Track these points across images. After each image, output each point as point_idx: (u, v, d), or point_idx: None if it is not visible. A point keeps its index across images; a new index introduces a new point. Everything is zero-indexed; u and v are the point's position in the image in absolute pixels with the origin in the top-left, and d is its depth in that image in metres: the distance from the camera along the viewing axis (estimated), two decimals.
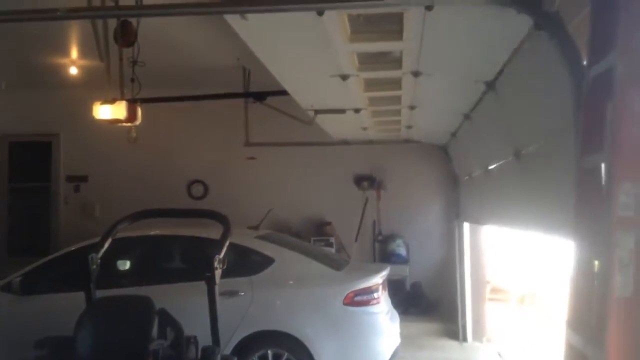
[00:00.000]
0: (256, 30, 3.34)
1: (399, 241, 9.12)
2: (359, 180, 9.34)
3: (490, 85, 4.17)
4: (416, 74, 4.12)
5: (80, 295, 4.04)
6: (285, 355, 5.12)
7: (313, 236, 9.01)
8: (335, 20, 3.14)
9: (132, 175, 9.55)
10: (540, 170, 3.75)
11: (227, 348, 4.80)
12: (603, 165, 2.23)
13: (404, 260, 8.97)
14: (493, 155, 5.12)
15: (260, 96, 7.49)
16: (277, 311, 5.26)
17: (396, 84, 4.53)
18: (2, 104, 9.69)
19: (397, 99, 5.11)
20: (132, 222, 4.17)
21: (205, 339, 3.91)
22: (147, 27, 5.66)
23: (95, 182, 9.82)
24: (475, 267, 7.87)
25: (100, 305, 3.64)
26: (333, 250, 8.55)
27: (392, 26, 3.26)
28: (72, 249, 5.45)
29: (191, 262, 5.82)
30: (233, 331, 4.98)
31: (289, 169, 9.41)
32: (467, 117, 5.43)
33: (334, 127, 6.77)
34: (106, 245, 3.99)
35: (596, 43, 2.28)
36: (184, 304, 4.29)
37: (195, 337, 3.80)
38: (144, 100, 6.11)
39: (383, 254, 9.15)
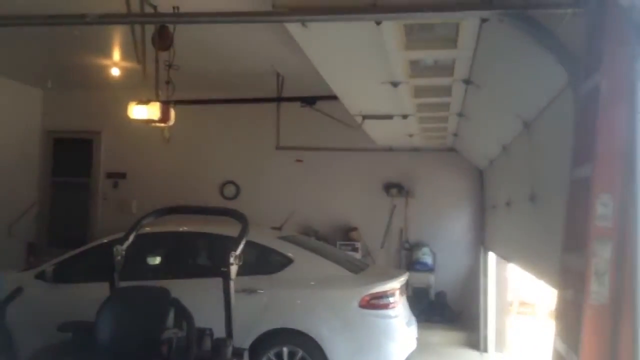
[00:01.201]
0: (315, 38, 3.52)
1: (425, 249, 9.14)
2: (387, 187, 9.41)
3: (527, 125, 4.23)
4: (467, 81, 4.25)
5: (107, 286, 4.28)
6: (300, 353, 5.26)
7: (339, 241, 9.13)
8: (392, 29, 3.29)
9: (168, 174, 9.90)
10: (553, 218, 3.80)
11: (244, 344, 4.96)
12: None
13: (430, 269, 8.98)
14: (512, 193, 5.20)
15: (310, 101, 7.61)
16: (294, 310, 5.40)
17: (446, 91, 4.66)
18: (48, 102, 10.23)
19: (446, 106, 5.22)
20: (157, 218, 4.38)
21: (221, 333, 4.09)
22: (184, 32, 5.93)
23: (133, 180, 10.20)
24: (500, 282, 7.88)
25: (120, 294, 3.85)
26: (358, 255, 8.65)
27: (446, 34, 3.42)
28: (102, 242, 5.74)
29: (211, 258, 6.04)
30: (250, 328, 5.14)
31: (318, 174, 9.56)
32: (504, 148, 5.51)
33: (380, 132, 6.87)
34: (131, 238, 4.21)
35: (587, 62, 2.36)
36: (202, 298, 4.47)
37: (210, 330, 3.96)
38: (178, 102, 6.36)
39: (409, 262, 9.18)
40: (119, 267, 4.12)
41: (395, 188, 9.40)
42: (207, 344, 3.90)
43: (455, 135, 6.84)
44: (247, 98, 8.27)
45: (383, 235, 9.31)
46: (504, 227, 5.69)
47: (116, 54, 7.98)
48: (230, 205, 9.29)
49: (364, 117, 5.71)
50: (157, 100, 6.01)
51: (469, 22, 3.11)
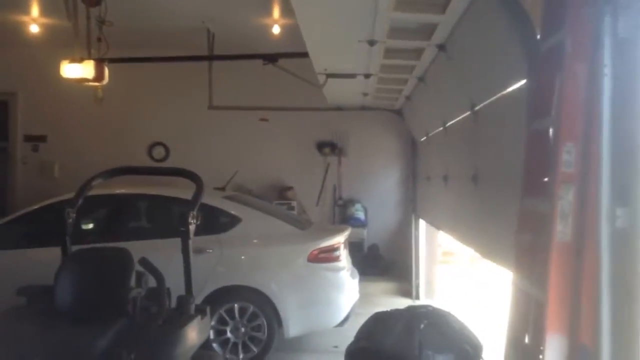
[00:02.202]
0: None
1: (358, 205, 9.44)
2: (320, 146, 9.56)
3: (473, 110, 4.36)
4: (441, 47, 4.34)
5: (54, 250, 4.15)
6: (251, 308, 5.39)
7: (275, 200, 9.23)
8: None
9: (93, 137, 9.53)
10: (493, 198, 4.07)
11: (196, 301, 5.01)
12: (551, 129, 2.53)
13: (362, 224, 9.30)
14: (451, 170, 5.45)
15: (272, 58, 7.47)
16: (244, 267, 5.50)
17: (416, 54, 4.74)
18: None
19: (410, 69, 5.30)
20: (107, 179, 4.27)
21: (176, 292, 4.11)
22: None
23: (55, 143, 9.73)
24: (430, 235, 8.33)
25: (78, 256, 3.76)
26: (294, 213, 8.80)
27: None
28: (42, 204, 5.53)
29: (161, 220, 5.99)
30: (201, 286, 5.18)
31: (250, 134, 9.54)
32: (444, 126, 5.73)
33: (336, 92, 6.83)
34: (80, 200, 4.10)
35: (548, 19, 2.54)
36: (154, 259, 4.41)
37: (168, 289, 3.97)
38: (112, 60, 6.12)
39: (342, 218, 9.45)
40: (70, 231, 4.01)
41: (328, 147, 9.57)
42: (166, 302, 3.93)
43: (408, 98, 7.00)
44: (179, 56, 8.03)
45: (318, 193, 9.50)
46: (440, 200, 5.93)
47: (34, 10, 7.50)
48: None
49: (328, 76, 5.73)
50: (90, 58, 5.75)
51: None
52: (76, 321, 3.42)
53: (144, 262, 3.38)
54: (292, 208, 9.08)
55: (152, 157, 9.76)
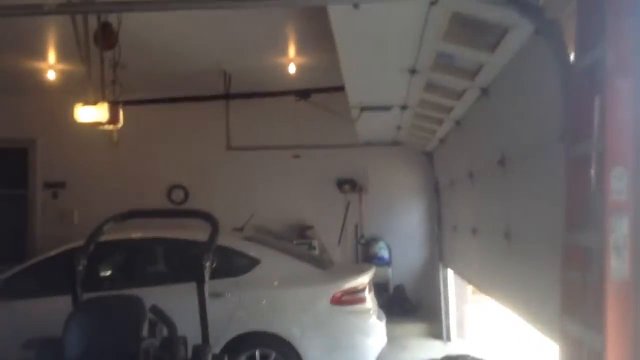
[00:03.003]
0: (358, 20, 3.38)
1: (381, 244, 9.16)
2: (340, 184, 9.36)
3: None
4: (485, 91, 4.20)
5: (65, 299, 3.98)
6: (273, 355, 5.12)
7: (295, 240, 8.99)
8: (441, 13, 3.20)
9: (112, 181, 9.44)
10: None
11: (214, 350, 4.77)
12: (593, 153, 2.30)
13: (387, 263, 9.00)
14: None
15: (304, 94, 7.36)
16: (264, 312, 5.25)
17: (456, 94, 4.60)
18: None
19: (448, 110, 5.15)
20: (118, 223, 4.12)
21: (193, 341, 3.89)
22: (128, 30, 5.66)
23: (74, 189, 9.66)
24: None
25: (89, 306, 3.58)
26: (316, 253, 8.56)
27: (488, 37, 3.37)
28: (55, 252, 5.38)
29: (177, 264, 5.80)
30: (220, 333, 4.94)
31: (270, 173, 9.38)
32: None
33: (368, 126, 6.70)
34: (92, 246, 3.94)
35: (584, 35, 2.34)
36: (170, 305, 4.21)
37: (184, 337, 3.76)
38: (127, 103, 6.05)
39: (365, 257, 9.17)
40: (81, 278, 3.83)
41: (347, 184, 9.36)
42: (182, 351, 3.70)
43: (442, 141, 6.80)
44: (195, 96, 7.98)
45: (339, 231, 9.25)
46: (469, 253, 5.68)
47: (51, 56, 7.53)
48: None
49: (362, 109, 5.59)
50: (104, 100, 5.67)
51: (519, 31, 3.07)
52: None
53: (155, 309, 3.18)
54: (313, 247, 8.83)
55: (171, 200, 9.62)
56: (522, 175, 3.77)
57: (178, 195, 9.70)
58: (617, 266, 1.98)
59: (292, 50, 7.59)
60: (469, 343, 7.68)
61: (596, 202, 2.29)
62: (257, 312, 5.22)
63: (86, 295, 3.99)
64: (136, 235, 5.63)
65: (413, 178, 9.33)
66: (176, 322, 3.84)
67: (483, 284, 5.11)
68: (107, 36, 5.78)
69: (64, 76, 7.92)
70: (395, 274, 9.07)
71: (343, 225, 9.29)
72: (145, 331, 3.38)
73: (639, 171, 1.99)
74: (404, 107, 5.51)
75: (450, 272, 7.94)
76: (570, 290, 2.42)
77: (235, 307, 5.13)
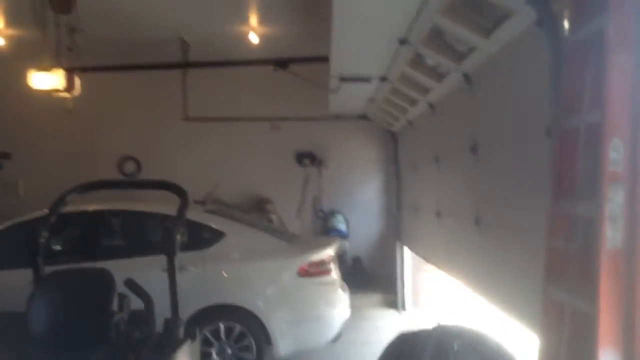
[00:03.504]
0: None
1: (339, 217, 9.19)
2: (300, 158, 9.30)
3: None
4: (467, 77, 4.15)
5: (23, 273, 3.78)
6: (238, 327, 5.07)
7: (254, 213, 8.89)
8: None
9: (61, 152, 9.05)
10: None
11: None
12: (586, 125, 2.32)
13: (344, 236, 9.03)
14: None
15: (282, 64, 7.12)
16: (229, 285, 5.18)
17: (438, 76, 4.55)
18: None
19: (426, 91, 5.10)
20: (82, 194, 3.92)
21: (158, 314, 3.78)
22: None
23: (19, 160, 9.19)
24: None
25: (55, 279, 3.41)
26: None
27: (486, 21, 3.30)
28: (13, 223, 5.11)
29: (143, 236, 5.63)
30: (184, 306, 4.80)
31: (228, 146, 9.21)
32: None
33: (343, 98, 6.57)
34: (54, 218, 3.74)
35: (582, 5, 2.34)
36: (135, 279, 4.08)
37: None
38: (83, 70, 5.75)
39: (324, 230, 9.18)
40: (43, 251, 3.64)
41: (307, 158, 9.30)
42: (150, 326, 3.61)
43: (410, 122, 6.77)
44: (151, 64, 7.67)
45: (298, 205, 9.21)
46: (433, 236, 5.72)
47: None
48: None
49: (342, 80, 5.48)
50: (59, 67, 5.37)
51: (520, 19, 3.01)
52: (54, 350, 3.07)
53: (130, 283, 3.06)
54: (271, 221, 8.75)
55: (122, 172, 9.31)
56: (496, 163, 3.81)
57: (130, 167, 9.40)
58: (612, 235, 2.01)
59: (254, 19, 7.40)
60: (424, 311, 7.85)
61: (588, 173, 2.33)
62: (222, 285, 5.15)
63: (49, 269, 3.81)
64: (97, 207, 5.40)
65: (372, 153, 9.37)
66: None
67: (450, 267, 5.17)
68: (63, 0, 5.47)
69: (12, 42, 7.46)
70: (352, 246, 9.13)
71: (302, 199, 9.26)
72: (114, 305, 3.25)
73: (636, 143, 2.01)
74: (383, 79, 5.46)
75: (407, 250, 8.06)
76: (555, 257, 2.46)
77: (200, 281, 5.04)
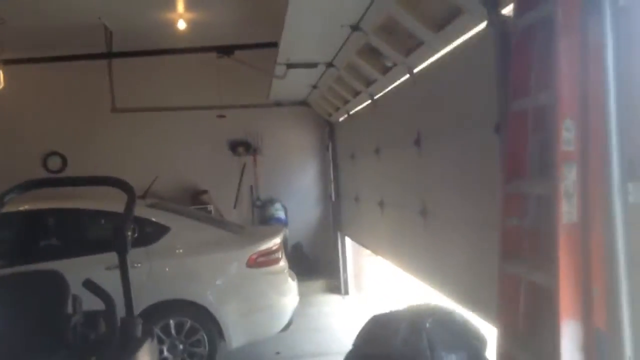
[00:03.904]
0: None
1: (277, 205, 9.20)
2: (234, 146, 9.20)
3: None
4: (412, 73, 4.22)
5: None
6: (189, 322, 5.00)
7: (189, 205, 8.73)
8: None
9: None
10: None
11: None
12: (535, 107, 2.46)
13: (284, 223, 9.05)
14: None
15: (227, 51, 6.90)
16: (177, 280, 5.09)
17: (383, 68, 4.60)
18: None
19: (369, 83, 5.13)
20: (21, 193, 3.71)
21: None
22: None
23: None
24: None
25: (2, 283, 3.23)
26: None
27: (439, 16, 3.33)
28: None
29: (84, 235, 5.42)
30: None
31: (160, 137, 8.98)
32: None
33: (286, 84, 6.52)
34: None
35: None
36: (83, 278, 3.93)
37: (103, 311, 3.55)
38: (4, 62, 5.43)
39: (262, 219, 9.16)
40: None
41: (241, 146, 9.23)
42: (102, 326, 3.51)
43: (347, 111, 6.79)
44: (73, 55, 7.34)
45: (235, 194, 9.14)
46: (377, 226, 5.80)
47: None
48: None
49: (289, 66, 5.44)
50: None
51: (472, 18, 3.10)
52: (7, 357, 2.93)
53: (89, 284, 2.94)
54: (209, 212, 8.65)
55: (47, 169, 8.89)
56: (440, 157, 3.94)
57: (55, 163, 8.98)
58: (567, 210, 2.14)
59: (180, 5, 7.21)
60: (367, 295, 8.03)
61: (538, 153, 2.47)
62: (169, 280, 5.06)
63: None
64: (37, 206, 5.14)
65: (307, 140, 9.41)
66: (81, 295, 3.61)
67: (396, 258, 5.28)
68: None
69: None
70: (292, 233, 9.16)
71: (239, 188, 9.19)
72: (69, 307, 3.14)
73: (586, 122, 2.14)
74: (330, 65, 5.48)
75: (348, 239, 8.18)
76: (509, 235, 2.60)
77: (146, 277, 4.92)
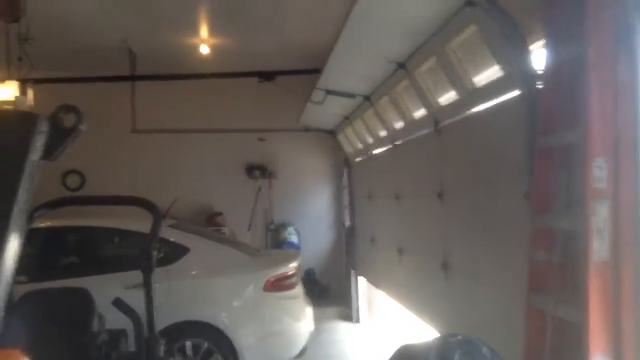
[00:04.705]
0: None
1: (290, 229, 9.24)
2: (250, 169, 9.29)
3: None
4: (437, 126, 4.28)
5: None
6: (205, 344, 5.01)
7: (204, 227, 8.79)
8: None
9: None
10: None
11: None
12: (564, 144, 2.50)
13: (296, 248, 9.09)
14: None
15: (268, 76, 7.04)
16: (195, 301, 5.11)
17: (414, 123, 4.66)
18: None
19: (404, 115, 5.10)
20: (51, 210, 3.79)
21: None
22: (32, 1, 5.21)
23: None
24: None
25: (29, 300, 3.27)
26: None
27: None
28: None
29: (107, 253, 5.48)
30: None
31: (178, 158, 9.09)
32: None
33: (320, 111, 6.63)
34: None
35: (558, 32, 2.50)
36: (103, 296, 3.99)
37: (125, 331, 3.60)
38: (36, 82, 5.57)
39: (275, 242, 9.21)
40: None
41: (257, 170, 9.31)
42: (124, 345, 3.55)
43: (377, 139, 6.83)
44: (104, 76, 7.52)
45: (249, 217, 9.19)
46: (395, 271, 5.75)
47: None
48: None
49: (328, 92, 5.52)
50: (12, 78, 5.18)
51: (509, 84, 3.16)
52: None
53: (118, 302, 2.99)
54: (224, 234, 8.69)
55: (66, 186, 9.01)
56: (465, 213, 3.92)
57: (74, 181, 9.11)
58: (598, 248, 2.17)
59: (204, 30, 7.37)
60: (378, 324, 7.99)
61: (567, 189, 2.50)
62: (187, 301, 5.07)
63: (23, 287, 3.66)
64: (63, 223, 5.21)
65: (322, 165, 9.50)
66: (104, 312, 3.65)
67: (414, 307, 5.20)
68: (11, 6, 5.29)
69: None
70: (304, 259, 9.15)
71: (253, 211, 9.24)
72: (95, 325, 3.18)
73: (619, 160, 2.18)
74: (366, 98, 5.53)
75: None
76: (537, 269, 2.62)
77: (165, 297, 4.92)
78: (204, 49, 7.74)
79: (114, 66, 7.70)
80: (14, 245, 1.25)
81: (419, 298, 5.04)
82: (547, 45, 2.61)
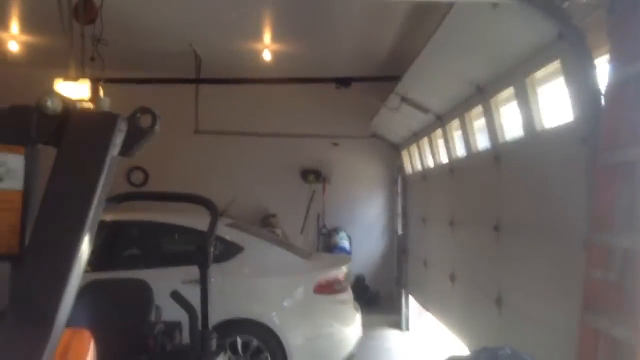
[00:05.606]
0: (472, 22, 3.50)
1: (342, 234, 9.30)
2: (305, 174, 9.42)
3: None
4: (497, 155, 4.30)
5: None
6: (255, 342, 5.12)
7: (258, 227, 8.97)
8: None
9: None
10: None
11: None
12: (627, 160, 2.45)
13: (348, 253, 9.14)
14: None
15: (345, 82, 7.26)
16: (247, 299, 5.23)
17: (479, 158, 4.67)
18: None
19: (467, 140, 5.07)
20: (119, 204, 3.99)
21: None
22: (107, 5, 5.49)
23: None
24: None
25: (92, 289, 3.46)
26: None
27: None
28: None
29: (166, 247, 5.70)
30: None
31: (236, 159, 9.31)
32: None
33: (392, 120, 6.70)
34: None
35: (622, 49, 2.48)
36: (161, 288, 4.14)
37: (179, 323, 3.73)
38: (107, 81, 5.85)
39: (327, 246, 9.29)
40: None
41: (312, 174, 9.43)
42: (177, 337, 3.69)
43: (434, 158, 6.71)
44: (170, 78, 7.83)
45: (301, 220, 9.31)
46: (447, 297, 5.71)
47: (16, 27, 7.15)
48: None
49: (404, 100, 5.59)
50: (85, 77, 5.46)
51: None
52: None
53: (176, 295, 3.12)
54: (277, 235, 8.83)
55: (130, 182, 9.38)
56: (520, 249, 3.88)
57: (137, 177, 9.47)
58: None
59: (267, 37, 7.54)
60: (426, 333, 7.93)
61: (627, 206, 2.46)
62: (239, 299, 5.20)
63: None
64: (124, 217, 5.46)
65: (376, 171, 9.54)
66: (162, 304, 3.80)
67: (467, 337, 5.13)
68: (88, 10, 5.59)
69: (28, 48, 7.56)
70: (354, 264, 9.19)
71: (307, 214, 9.36)
72: (153, 316, 3.33)
73: None
74: (438, 118, 5.54)
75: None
76: (593, 287, 2.58)
77: (219, 294, 5.06)
78: (266, 55, 7.92)
79: (180, 69, 7.97)
80: (91, 234, 1.36)
81: (471, 329, 5.00)
82: (611, 62, 2.58)
